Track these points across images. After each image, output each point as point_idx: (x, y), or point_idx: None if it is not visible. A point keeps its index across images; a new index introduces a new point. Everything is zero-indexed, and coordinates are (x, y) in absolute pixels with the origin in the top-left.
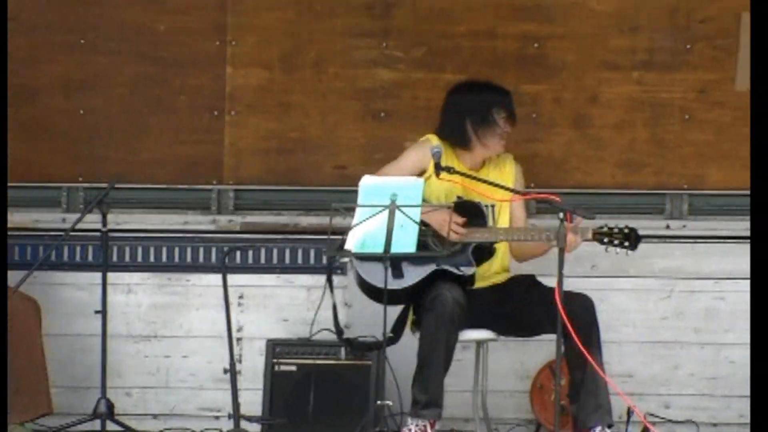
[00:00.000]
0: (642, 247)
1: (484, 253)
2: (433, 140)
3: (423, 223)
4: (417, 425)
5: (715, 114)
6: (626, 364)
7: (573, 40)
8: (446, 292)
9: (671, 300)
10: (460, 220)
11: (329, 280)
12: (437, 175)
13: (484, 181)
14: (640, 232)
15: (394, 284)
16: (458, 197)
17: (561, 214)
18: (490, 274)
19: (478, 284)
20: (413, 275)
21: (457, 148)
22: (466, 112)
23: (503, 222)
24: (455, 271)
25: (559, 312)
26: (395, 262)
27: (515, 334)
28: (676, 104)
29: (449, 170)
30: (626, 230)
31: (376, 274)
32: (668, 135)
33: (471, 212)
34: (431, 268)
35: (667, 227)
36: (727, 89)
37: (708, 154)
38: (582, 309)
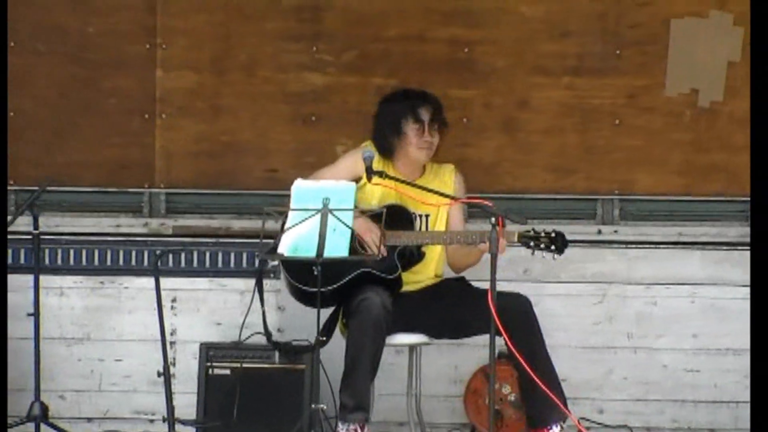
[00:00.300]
0: (574, 252)
1: (412, 257)
2: (369, 143)
3: None
4: (347, 429)
5: (644, 119)
6: (559, 368)
7: (503, 45)
8: (373, 296)
9: (603, 305)
10: (378, 232)
11: (259, 283)
12: (369, 179)
13: (417, 186)
14: (572, 237)
15: (323, 285)
16: (390, 204)
17: (493, 219)
18: (422, 279)
19: (409, 288)
20: (340, 277)
21: (387, 157)
22: (385, 124)
23: (439, 228)
24: (380, 274)
25: (492, 315)
26: (323, 265)
27: (448, 335)
28: (605, 109)
29: (381, 174)
30: (553, 234)
31: (302, 276)
32: (598, 140)
33: (399, 216)
34: (357, 269)
35: (599, 232)
36: (657, 94)
37: (638, 160)
38: (518, 305)
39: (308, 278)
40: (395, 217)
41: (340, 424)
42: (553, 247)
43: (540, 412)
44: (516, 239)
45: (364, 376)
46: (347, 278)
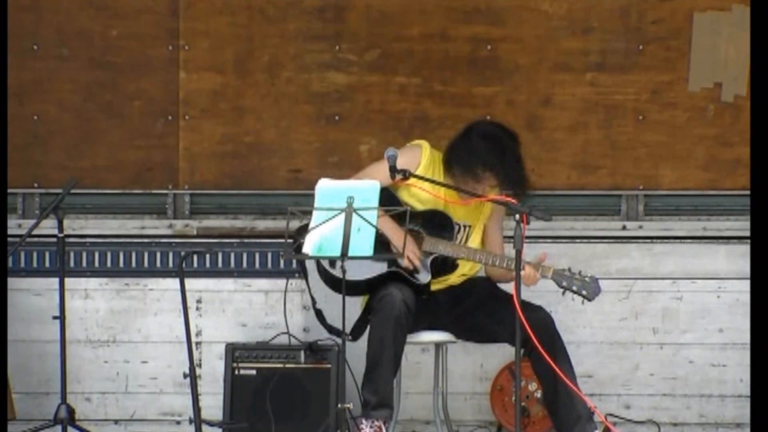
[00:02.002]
0: (599, 248)
1: (446, 266)
2: (425, 146)
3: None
4: (371, 426)
5: (668, 115)
6: (585, 365)
7: (525, 43)
8: (394, 291)
9: (629, 301)
10: (419, 252)
11: (304, 276)
12: (392, 178)
13: (442, 184)
14: (596, 233)
15: (355, 275)
16: (434, 210)
17: (517, 216)
18: (449, 278)
19: (436, 286)
20: (373, 268)
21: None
22: (461, 156)
23: (475, 240)
24: (409, 277)
25: (518, 316)
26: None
27: (471, 339)
28: (629, 105)
29: (405, 174)
30: (587, 278)
31: (335, 264)
32: (622, 136)
33: (442, 224)
34: (386, 268)
35: (624, 228)
36: (680, 90)
37: (662, 155)
38: (541, 323)
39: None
40: (437, 225)
41: (363, 421)
42: (584, 292)
43: (567, 427)
44: (550, 275)
45: (387, 372)
46: (378, 274)
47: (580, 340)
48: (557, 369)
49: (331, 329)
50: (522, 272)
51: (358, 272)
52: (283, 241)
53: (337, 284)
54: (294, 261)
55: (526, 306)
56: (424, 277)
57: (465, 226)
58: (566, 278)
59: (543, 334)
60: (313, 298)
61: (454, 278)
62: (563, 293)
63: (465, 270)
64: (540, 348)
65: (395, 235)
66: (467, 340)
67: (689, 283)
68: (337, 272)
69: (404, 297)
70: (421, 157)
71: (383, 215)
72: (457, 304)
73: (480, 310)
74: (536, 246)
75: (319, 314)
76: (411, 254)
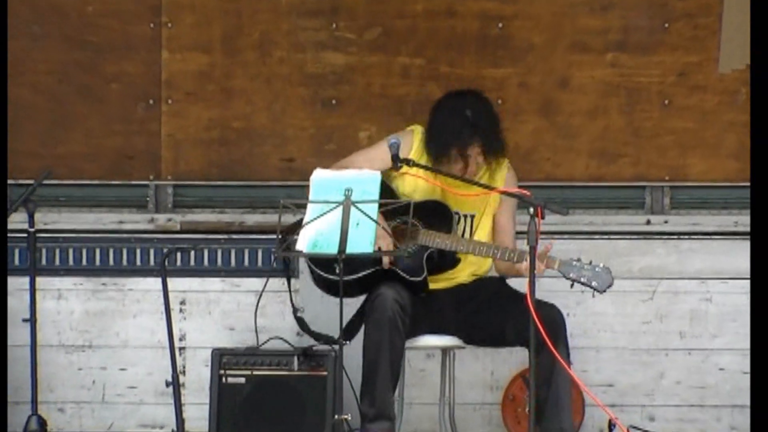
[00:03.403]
0: (621, 244)
1: (443, 262)
2: (417, 131)
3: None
4: None
5: (696, 99)
6: (605, 372)
7: (540, 20)
8: (385, 291)
9: (653, 302)
10: (390, 244)
11: (286, 278)
12: (395, 168)
13: (447, 174)
14: (618, 228)
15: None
16: (431, 201)
17: (531, 210)
18: (456, 276)
19: (441, 285)
20: (364, 266)
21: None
22: (437, 135)
23: (482, 232)
24: (402, 274)
25: (532, 317)
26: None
27: (479, 342)
28: (653, 89)
29: (408, 162)
30: (597, 268)
31: (326, 263)
32: (646, 122)
33: (439, 214)
34: (377, 265)
35: (648, 223)
36: (709, 72)
37: (690, 143)
38: (550, 323)
39: (332, 266)
40: (434, 216)
41: None
42: (594, 284)
43: None
44: (556, 267)
45: (384, 380)
46: (368, 271)
47: (599, 345)
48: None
49: (317, 336)
50: (524, 264)
51: (345, 271)
52: (275, 237)
53: (333, 287)
54: (283, 260)
55: (538, 304)
56: (417, 273)
57: (468, 216)
58: (574, 269)
59: (549, 333)
60: (294, 305)
61: (463, 276)
62: (572, 285)
63: (474, 268)
64: (552, 349)
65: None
66: (475, 344)
67: (719, 283)
68: (333, 275)
69: (396, 296)
70: (413, 142)
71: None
72: (463, 304)
73: (488, 310)
74: (553, 243)
75: (300, 322)
76: (383, 247)
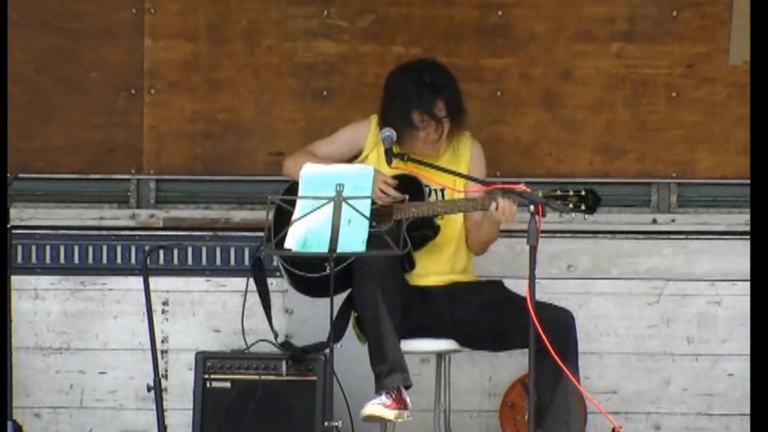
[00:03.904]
0: (626, 244)
1: (426, 229)
2: (373, 117)
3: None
4: (388, 395)
5: (705, 91)
6: (609, 378)
7: (542, 8)
8: (367, 258)
9: (659, 305)
10: (392, 181)
11: (257, 275)
12: (389, 163)
13: (444, 170)
14: (623, 228)
15: (318, 269)
16: (400, 175)
17: (531, 207)
18: (443, 269)
19: (433, 281)
20: (342, 259)
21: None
22: (392, 107)
23: None
24: (383, 253)
25: (532, 318)
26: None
27: (477, 345)
28: (660, 81)
29: (403, 157)
30: (582, 192)
31: (298, 261)
32: (652, 116)
33: (409, 188)
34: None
35: (654, 221)
36: (719, 63)
37: (698, 138)
38: (557, 324)
39: (307, 262)
40: (405, 189)
41: (377, 397)
42: (583, 206)
43: None
44: (539, 200)
45: (389, 334)
46: (349, 261)
47: (603, 350)
48: (564, 376)
49: (306, 350)
50: (493, 206)
51: (319, 266)
52: (262, 234)
53: (302, 284)
54: (272, 259)
55: (545, 307)
56: (399, 248)
57: (438, 191)
58: (559, 198)
59: (558, 335)
60: (273, 329)
61: (450, 270)
62: (560, 215)
63: (454, 250)
64: (554, 354)
65: None
66: (474, 347)
67: (729, 285)
68: (300, 271)
69: (380, 258)
70: (369, 127)
71: None
72: (459, 305)
73: (486, 312)
74: (553, 242)
75: (287, 346)
76: (380, 184)
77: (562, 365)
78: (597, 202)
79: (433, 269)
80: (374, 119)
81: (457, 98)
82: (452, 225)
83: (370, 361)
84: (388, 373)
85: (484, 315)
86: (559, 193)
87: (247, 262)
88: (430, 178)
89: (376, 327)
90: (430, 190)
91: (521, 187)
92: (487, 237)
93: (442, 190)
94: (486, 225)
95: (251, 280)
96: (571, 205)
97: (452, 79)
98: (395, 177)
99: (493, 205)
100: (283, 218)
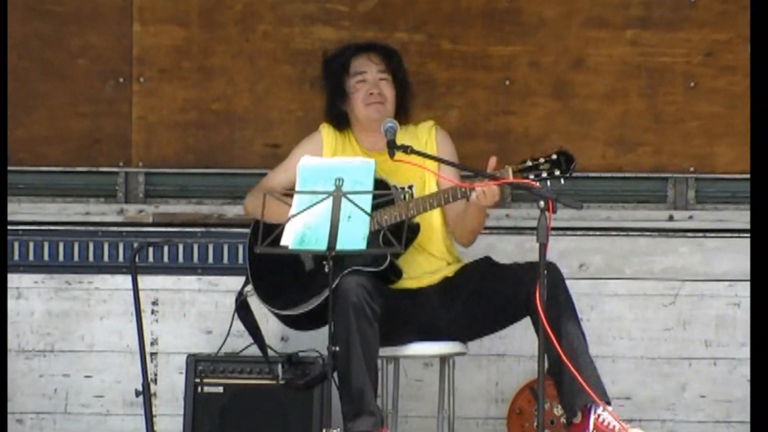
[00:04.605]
0: (640, 242)
1: (405, 232)
2: (322, 127)
3: None
4: None
5: (725, 81)
6: (622, 384)
7: None
8: (345, 282)
9: (676, 307)
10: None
11: (239, 310)
12: (391, 155)
13: (447, 162)
14: (638, 225)
15: (300, 307)
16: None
17: (541, 203)
18: (434, 268)
19: (424, 282)
20: (321, 286)
21: (346, 130)
22: (328, 88)
23: None
24: (367, 269)
25: (541, 320)
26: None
27: (483, 333)
28: (678, 69)
29: (406, 150)
30: (553, 156)
31: (277, 296)
32: (669, 107)
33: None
34: (339, 274)
35: (670, 218)
36: (740, 51)
37: (717, 130)
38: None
39: (286, 298)
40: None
41: None
42: (557, 172)
43: (568, 399)
44: (511, 175)
45: (359, 371)
46: (320, 301)
47: (616, 354)
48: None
49: (309, 384)
50: (474, 194)
51: (301, 302)
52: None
53: (293, 322)
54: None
55: (531, 266)
56: (381, 261)
57: (407, 188)
58: (531, 169)
59: (549, 295)
60: (268, 359)
61: (439, 268)
62: (539, 183)
63: (440, 248)
64: (556, 346)
65: None
66: (476, 338)
67: (749, 285)
68: (284, 310)
69: (360, 282)
70: (322, 137)
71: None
72: (453, 299)
73: (482, 295)
74: (564, 239)
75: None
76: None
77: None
78: (571, 162)
79: (426, 268)
80: (324, 127)
81: (389, 52)
82: (431, 220)
83: (340, 396)
84: (354, 417)
85: (480, 300)
86: (529, 164)
87: (240, 261)
88: (396, 169)
89: (344, 364)
90: (396, 190)
91: (530, 181)
92: (475, 225)
93: (410, 187)
94: (471, 213)
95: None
96: (544, 174)
97: (386, 44)
98: None
99: (474, 194)
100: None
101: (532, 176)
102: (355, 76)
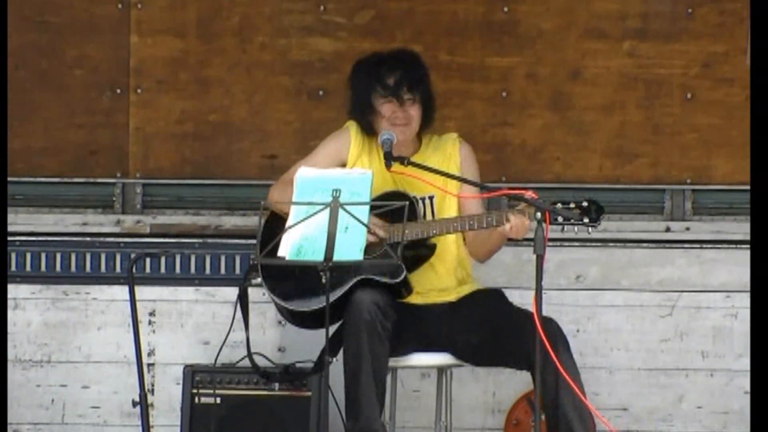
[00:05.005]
0: (637, 253)
1: (419, 251)
2: (353, 129)
3: None
4: None
5: (722, 93)
6: (619, 395)
7: (550, 4)
8: (360, 294)
9: (673, 318)
10: (381, 222)
11: (242, 298)
12: (388, 167)
13: (446, 174)
14: (635, 236)
15: (312, 304)
16: (388, 192)
17: (539, 214)
18: (444, 285)
19: (431, 299)
20: (334, 289)
21: (371, 136)
22: (355, 98)
23: (447, 214)
24: (380, 279)
25: (539, 333)
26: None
27: (476, 363)
28: (675, 81)
29: (403, 161)
30: (584, 203)
31: (291, 293)
32: (666, 118)
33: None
34: (353, 278)
35: (667, 230)
36: (737, 63)
37: (714, 142)
38: (550, 337)
39: (295, 293)
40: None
41: None
42: (586, 219)
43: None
44: (540, 216)
45: (368, 390)
46: (342, 291)
47: (613, 366)
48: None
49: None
50: (507, 226)
51: (315, 298)
52: (254, 241)
53: (299, 318)
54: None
55: (530, 318)
56: (396, 274)
57: (427, 199)
58: (561, 212)
59: (554, 349)
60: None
61: (451, 286)
62: (563, 230)
63: (454, 267)
64: (558, 365)
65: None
66: (472, 363)
67: (746, 297)
68: (293, 305)
69: (374, 298)
70: (350, 136)
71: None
72: (456, 319)
73: (486, 328)
74: (562, 251)
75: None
76: (374, 227)
77: (571, 382)
78: (600, 212)
79: (435, 285)
80: (352, 125)
81: (419, 74)
82: (445, 238)
83: (344, 416)
84: None
85: (481, 331)
86: (559, 206)
87: (237, 271)
88: (429, 182)
89: (353, 380)
90: (417, 200)
91: (528, 193)
92: (495, 248)
93: (431, 198)
94: (495, 239)
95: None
96: (572, 219)
97: (416, 58)
98: (383, 195)
99: (508, 225)
100: (280, 224)
101: (560, 218)
102: (383, 94)
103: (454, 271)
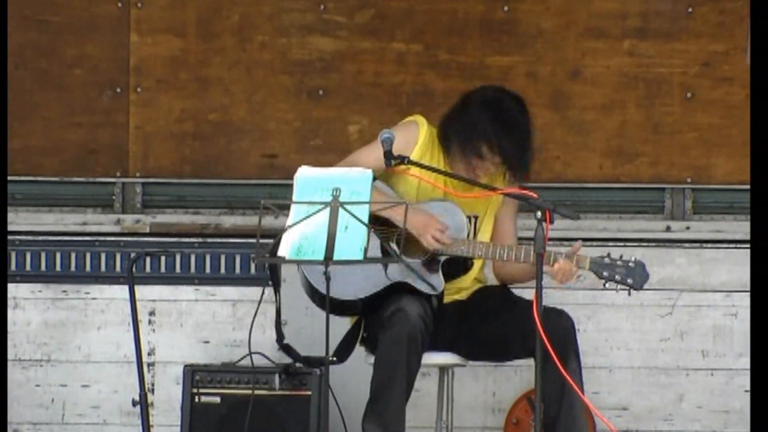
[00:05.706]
0: (637, 252)
1: (458, 267)
2: (421, 122)
3: (386, 224)
4: None
5: (722, 92)
6: (619, 394)
7: (550, 3)
8: (409, 305)
9: (673, 317)
10: (443, 226)
11: (273, 279)
12: (387, 165)
13: (447, 174)
14: (635, 235)
15: (348, 293)
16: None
17: (538, 213)
18: (462, 286)
19: (448, 298)
20: (369, 284)
21: (446, 149)
22: (460, 127)
23: (484, 234)
24: (420, 288)
25: (538, 330)
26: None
27: (484, 357)
28: (675, 80)
29: (403, 160)
30: (631, 263)
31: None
32: (666, 117)
33: (450, 222)
34: (387, 281)
35: (668, 229)
36: (737, 62)
37: (714, 141)
38: (558, 328)
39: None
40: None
41: None
42: (630, 281)
43: None
44: (587, 266)
45: (398, 401)
46: (378, 290)
47: (613, 365)
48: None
49: (307, 361)
50: (555, 266)
51: (350, 288)
52: (254, 241)
53: (336, 305)
54: (266, 267)
55: (545, 312)
56: (437, 282)
57: (471, 218)
58: (607, 267)
59: (558, 344)
60: (280, 332)
61: (465, 289)
62: (605, 284)
63: (476, 273)
64: (558, 363)
65: (416, 220)
66: (477, 359)
67: (746, 296)
68: (338, 294)
69: (421, 312)
70: (418, 136)
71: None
72: (465, 317)
73: (491, 321)
74: (562, 250)
75: (288, 349)
76: (435, 232)
77: (567, 377)
78: (645, 279)
79: (454, 285)
80: (424, 124)
81: (521, 155)
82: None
83: (364, 418)
84: None
85: (488, 325)
86: (607, 260)
87: (237, 270)
88: (431, 182)
89: (386, 385)
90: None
91: (528, 192)
92: (520, 279)
93: (475, 218)
94: (529, 273)
95: (245, 290)
96: (617, 276)
97: (528, 126)
98: (436, 203)
99: (556, 265)
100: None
101: (606, 273)
102: (489, 157)
103: (471, 282)
